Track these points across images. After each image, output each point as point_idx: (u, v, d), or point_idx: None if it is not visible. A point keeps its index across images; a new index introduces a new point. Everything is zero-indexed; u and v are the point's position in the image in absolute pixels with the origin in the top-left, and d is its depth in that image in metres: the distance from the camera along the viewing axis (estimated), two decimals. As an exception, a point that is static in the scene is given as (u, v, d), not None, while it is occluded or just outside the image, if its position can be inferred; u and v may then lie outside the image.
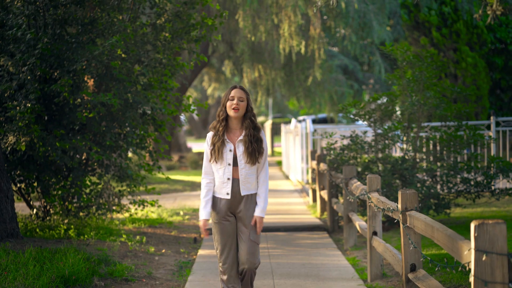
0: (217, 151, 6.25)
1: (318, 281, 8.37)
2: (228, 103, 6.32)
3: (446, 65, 24.00)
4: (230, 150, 6.27)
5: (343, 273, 8.80)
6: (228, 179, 6.27)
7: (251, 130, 6.30)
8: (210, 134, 6.38)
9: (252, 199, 6.32)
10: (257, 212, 6.29)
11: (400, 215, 6.37)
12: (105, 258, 9.02)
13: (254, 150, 6.24)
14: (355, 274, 8.71)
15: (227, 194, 6.28)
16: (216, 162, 6.28)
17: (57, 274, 7.87)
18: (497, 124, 16.69)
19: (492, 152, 16.00)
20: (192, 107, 12.29)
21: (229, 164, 6.26)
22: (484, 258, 4.26)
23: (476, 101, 24.30)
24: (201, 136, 59.39)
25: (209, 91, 35.34)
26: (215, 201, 6.36)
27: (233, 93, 6.33)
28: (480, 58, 24.50)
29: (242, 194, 6.28)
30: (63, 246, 9.18)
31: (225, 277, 6.34)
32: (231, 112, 6.29)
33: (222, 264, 6.33)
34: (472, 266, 4.33)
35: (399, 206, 6.40)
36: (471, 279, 4.34)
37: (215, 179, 6.35)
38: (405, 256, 6.38)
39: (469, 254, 4.45)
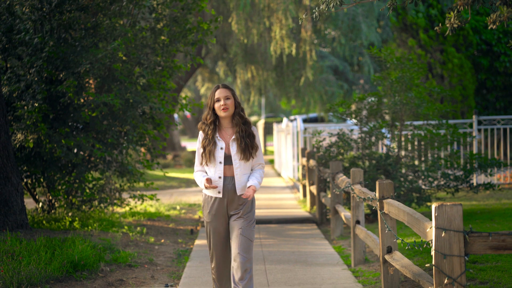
0: (208, 154, 6.21)
1: (306, 266, 9.13)
2: (216, 105, 6.24)
3: (431, 66, 24.78)
4: (222, 148, 6.20)
5: (329, 260, 9.57)
6: (220, 177, 6.20)
7: (242, 126, 6.24)
8: (201, 133, 6.34)
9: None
10: (252, 182, 6.19)
11: (378, 203, 7.13)
12: (109, 246, 9.76)
13: (247, 145, 6.19)
14: (340, 260, 9.48)
15: (219, 192, 6.22)
16: (208, 160, 6.23)
17: (67, 260, 8.59)
18: (480, 122, 17.49)
19: (474, 150, 16.80)
20: (188, 107, 13.07)
21: (220, 163, 6.21)
22: (443, 235, 5.01)
23: (463, 100, 25.08)
24: (194, 135, 60.00)
25: (202, 90, 36.05)
26: (207, 200, 6.31)
27: (217, 93, 6.24)
28: (466, 59, 25.25)
29: (238, 193, 6.22)
30: (71, 236, 9.91)
31: (215, 278, 6.37)
32: (221, 113, 6.23)
33: (213, 264, 6.36)
34: (433, 242, 5.07)
35: (377, 195, 7.16)
36: (432, 253, 5.09)
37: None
38: (382, 239, 7.13)
39: (431, 232, 5.19)
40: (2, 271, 8.03)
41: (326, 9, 5.24)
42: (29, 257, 8.59)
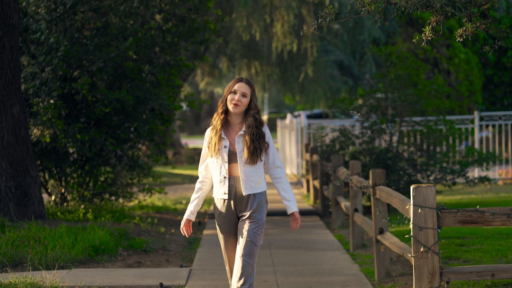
0: (213, 146, 6.18)
1: (308, 251, 10.65)
2: (229, 97, 6.20)
3: (437, 61, 26.24)
4: (225, 147, 6.18)
5: (330, 246, 11.09)
6: (225, 177, 6.20)
7: (254, 128, 6.19)
8: (208, 130, 6.32)
9: (256, 199, 6.27)
10: (294, 208, 6.34)
11: (371, 189, 8.63)
12: (125, 234, 11.29)
13: (256, 148, 6.16)
14: (340, 246, 11.00)
15: (225, 193, 6.23)
16: (212, 157, 6.23)
17: (88, 244, 10.13)
18: (481, 118, 19.01)
19: (476, 145, 18.33)
20: (196, 103, 14.59)
21: (225, 162, 6.19)
22: (419, 211, 6.49)
23: (469, 96, 26.56)
24: (193, 132, 61.33)
25: (202, 85, 37.36)
26: (216, 201, 6.34)
27: (237, 86, 6.19)
28: (473, 54, 26.72)
29: (245, 193, 6.21)
30: (89, 224, 11.43)
31: (229, 278, 6.45)
32: (230, 107, 6.20)
33: (227, 267, 6.47)
34: (411, 217, 6.55)
35: (370, 182, 8.67)
36: (411, 226, 6.57)
37: (212, 179, 6.33)
38: (375, 221, 8.63)
39: (410, 209, 6.67)
40: (31, 253, 9.54)
41: (324, 22, 6.68)
42: (54, 242, 10.10)
